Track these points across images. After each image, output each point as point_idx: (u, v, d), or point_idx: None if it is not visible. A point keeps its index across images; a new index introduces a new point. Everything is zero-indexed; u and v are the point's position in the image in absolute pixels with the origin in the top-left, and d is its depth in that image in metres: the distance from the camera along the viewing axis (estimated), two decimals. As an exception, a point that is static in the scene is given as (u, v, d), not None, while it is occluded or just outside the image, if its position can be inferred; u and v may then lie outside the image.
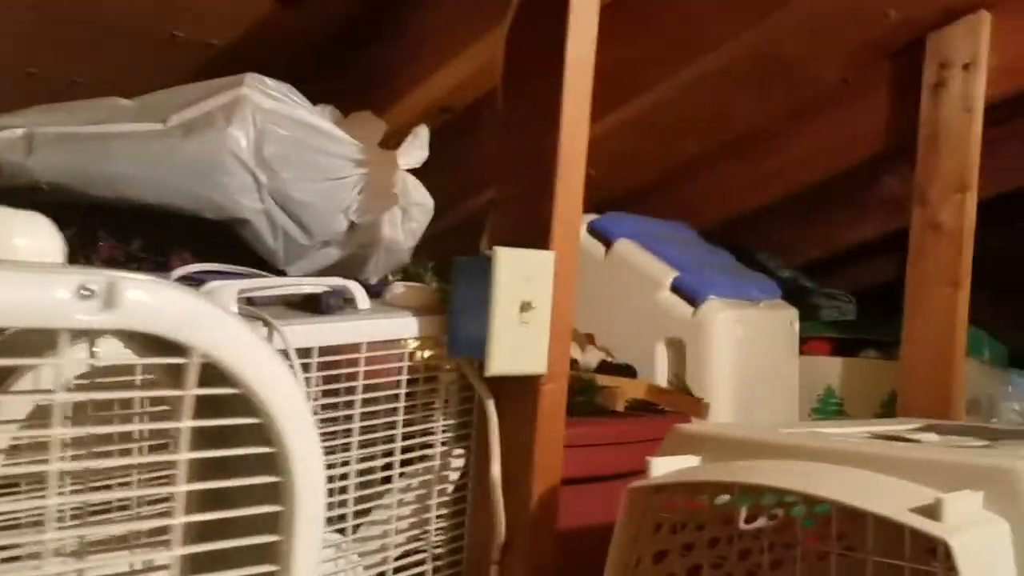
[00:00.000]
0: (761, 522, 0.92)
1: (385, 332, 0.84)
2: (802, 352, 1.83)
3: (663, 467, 0.73)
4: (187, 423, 0.39)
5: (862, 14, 1.50)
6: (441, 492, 0.96)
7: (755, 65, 1.55)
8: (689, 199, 2.00)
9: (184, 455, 0.39)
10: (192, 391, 0.38)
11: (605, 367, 1.44)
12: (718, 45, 1.30)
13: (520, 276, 0.84)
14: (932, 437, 0.90)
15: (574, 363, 1.38)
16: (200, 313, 0.38)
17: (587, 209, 1.75)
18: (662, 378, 1.57)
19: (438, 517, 0.96)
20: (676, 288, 1.59)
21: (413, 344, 0.93)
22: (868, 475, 0.65)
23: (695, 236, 1.90)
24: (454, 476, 0.98)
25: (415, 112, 1.23)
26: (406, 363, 0.89)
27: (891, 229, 2.09)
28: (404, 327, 0.87)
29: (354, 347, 0.83)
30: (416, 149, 1.09)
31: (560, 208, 0.88)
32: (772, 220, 2.31)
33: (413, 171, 1.18)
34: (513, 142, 0.93)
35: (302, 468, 0.41)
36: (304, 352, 0.79)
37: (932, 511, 0.58)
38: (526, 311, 0.85)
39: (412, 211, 1.12)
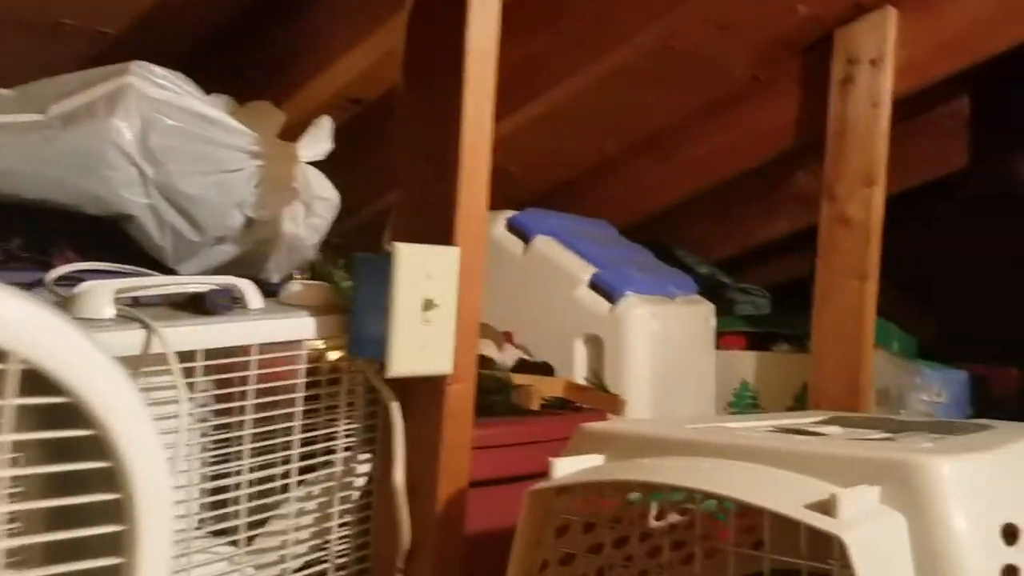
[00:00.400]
0: (671, 518, 0.91)
1: (278, 333, 0.80)
2: (718, 346, 1.84)
3: (566, 467, 0.71)
4: (7, 436, 0.34)
5: (771, 10, 1.51)
6: (345, 499, 0.93)
7: (666, 61, 1.55)
8: (608, 196, 2.01)
9: (5, 471, 0.35)
10: (11, 400, 0.34)
11: (522, 365, 1.43)
12: (627, 39, 1.29)
13: (421, 273, 0.81)
14: (836, 430, 0.91)
15: (490, 362, 1.36)
16: (18, 315, 0.34)
17: (509, 206, 1.76)
18: (581, 375, 1.56)
19: (342, 525, 0.92)
20: (594, 285, 1.58)
21: (313, 345, 0.89)
22: (767, 471, 0.64)
23: (614, 233, 1.90)
24: (360, 482, 0.95)
25: (319, 102, 1.19)
26: (304, 365, 0.85)
27: (804, 225, 2.13)
28: (300, 328, 0.84)
29: (245, 349, 0.79)
30: (318, 141, 1.05)
31: (464, 203, 0.85)
32: (690, 217, 2.34)
33: (320, 164, 1.14)
34: (415, 135, 0.90)
35: (143, 483, 0.37)
36: (188, 355, 0.74)
37: (828, 507, 0.57)
38: (429, 309, 0.82)
39: (315, 206, 1.08)
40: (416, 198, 0.89)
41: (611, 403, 1.36)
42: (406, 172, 0.90)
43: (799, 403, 1.77)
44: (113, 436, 0.36)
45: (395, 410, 0.87)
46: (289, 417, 0.86)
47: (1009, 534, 0.61)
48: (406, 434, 0.87)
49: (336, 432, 0.90)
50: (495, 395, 1.24)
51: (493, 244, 1.66)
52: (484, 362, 1.33)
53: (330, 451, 0.90)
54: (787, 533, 0.61)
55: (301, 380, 0.85)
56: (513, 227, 1.65)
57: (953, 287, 2.75)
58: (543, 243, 1.63)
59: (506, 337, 1.49)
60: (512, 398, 1.24)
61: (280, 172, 1.02)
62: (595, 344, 1.56)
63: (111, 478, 0.37)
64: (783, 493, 0.60)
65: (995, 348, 2.50)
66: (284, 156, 1.03)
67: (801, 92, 1.71)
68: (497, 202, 1.74)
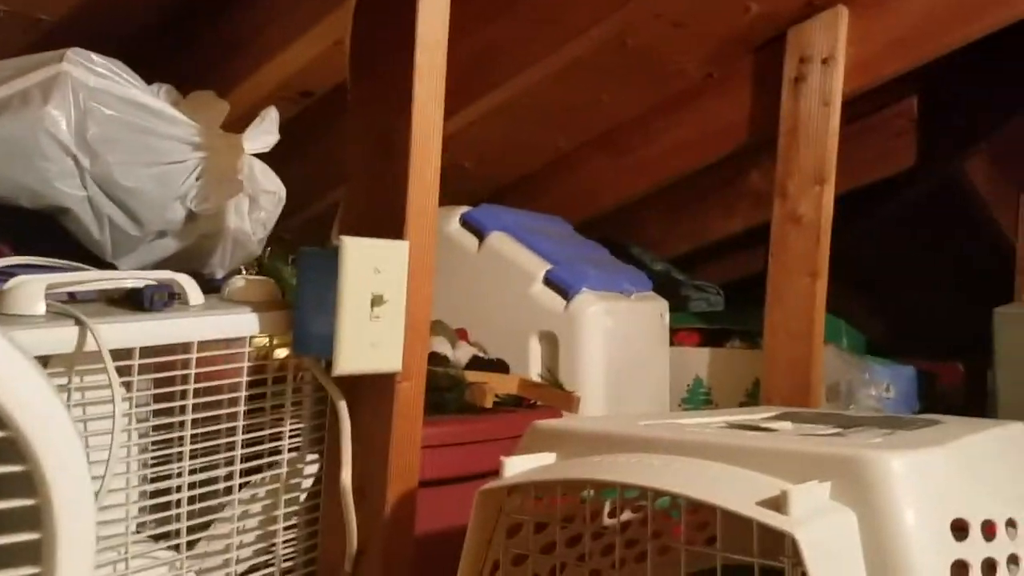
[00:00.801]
0: (625, 516, 0.90)
1: (219, 330, 0.78)
2: (672, 343, 1.85)
3: (517, 466, 0.70)
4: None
5: (724, 7, 1.52)
6: (291, 501, 0.90)
7: (621, 57, 1.55)
8: (563, 193, 2.00)
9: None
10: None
11: (476, 363, 1.41)
12: (581, 33, 1.28)
13: (369, 268, 0.79)
14: (787, 425, 0.91)
15: (444, 359, 1.34)
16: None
17: (463, 202, 1.74)
18: (536, 372, 1.55)
19: (288, 527, 0.90)
20: (549, 281, 1.57)
21: (258, 342, 0.87)
22: (719, 467, 0.64)
23: (569, 230, 1.89)
24: (307, 483, 0.92)
25: (266, 93, 1.16)
26: (247, 363, 0.82)
27: (757, 223, 2.15)
28: (242, 324, 0.81)
29: (184, 347, 0.76)
30: (264, 132, 1.02)
31: (414, 196, 0.83)
32: (645, 215, 2.34)
33: (269, 158, 1.12)
34: (364, 126, 0.87)
35: (61, 487, 0.35)
36: (125, 353, 0.71)
37: (779, 503, 0.57)
38: (377, 305, 0.80)
39: (261, 199, 1.05)
40: (365, 191, 0.87)
41: (566, 400, 1.35)
42: (355, 165, 0.88)
43: (751, 399, 1.78)
44: (27, 437, 0.34)
45: (342, 409, 0.85)
46: (232, 417, 0.83)
47: (959, 529, 0.62)
48: (354, 433, 0.85)
49: (282, 432, 0.88)
50: (448, 393, 1.22)
51: (447, 240, 1.64)
52: (437, 359, 1.32)
53: (276, 451, 0.88)
54: (739, 530, 0.61)
55: (245, 379, 0.82)
56: (467, 223, 1.64)
57: (900, 285, 2.80)
58: (497, 239, 1.61)
59: (460, 334, 1.48)
60: (465, 396, 1.22)
61: (224, 164, 0.99)
62: (550, 341, 1.55)
63: (28, 482, 0.34)
64: (735, 490, 0.60)
65: (941, 344, 2.56)
66: (228, 148, 1.00)
67: (754, 90, 1.73)
68: (451, 198, 1.74)
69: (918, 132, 2.15)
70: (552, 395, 1.37)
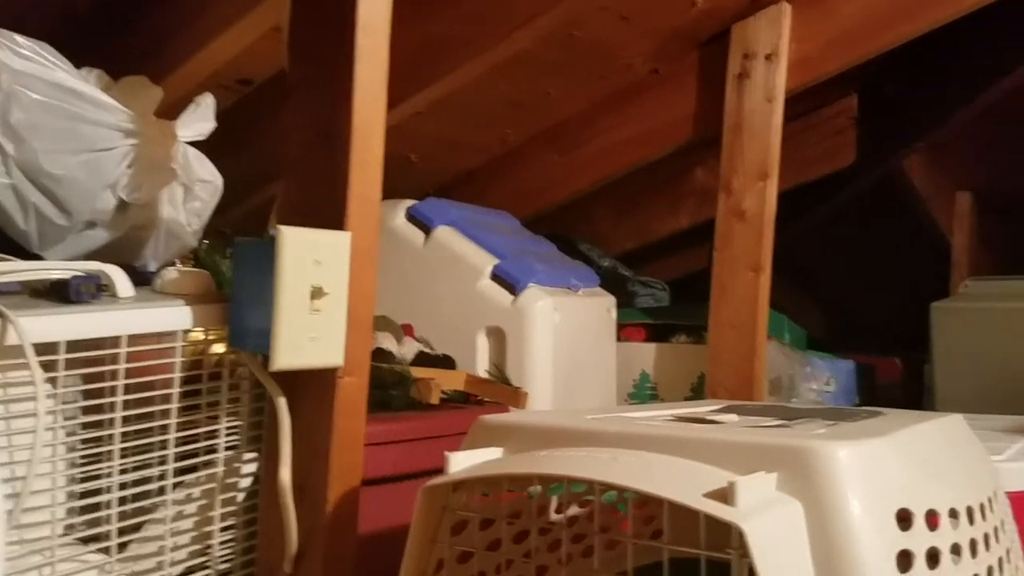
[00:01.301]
0: (572, 511, 0.89)
1: (150, 323, 0.75)
2: (619, 338, 1.85)
3: (462, 462, 0.68)
4: None
5: (669, 2, 1.52)
6: (229, 501, 0.87)
7: (568, 51, 1.54)
8: (511, 187, 1.99)
9: None
10: None
11: (422, 359, 1.39)
12: (527, 23, 1.27)
13: (309, 259, 0.77)
14: (732, 418, 0.91)
15: (389, 355, 1.32)
16: None
17: (410, 196, 1.71)
18: (483, 368, 1.54)
19: (225, 528, 0.87)
20: (496, 276, 1.56)
21: (194, 337, 0.83)
22: (666, 460, 0.63)
23: (517, 225, 1.88)
24: (245, 482, 0.89)
25: (202, 80, 1.12)
26: (180, 358, 0.79)
27: (703, 219, 2.17)
28: (174, 318, 0.78)
29: (113, 341, 0.72)
30: (199, 120, 0.98)
31: (356, 185, 0.81)
32: (593, 210, 2.35)
33: (207, 148, 1.08)
34: (303, 114, 0.85)
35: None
36: (49, 347, 0.68)
37: (725, 495, 0.56)
38: (317, 298, 0.78)
39: (196, 189, 1.01)
40: (305, 181, 0.84)
41: (512, 396, 1.34)
42: (294, 153, 0.85)
43: (697, 393, 1.80)
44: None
45: (281, 405, 0.83)
46: (165, 414, 0.80)
47: (903, 519, 0.62)
48: (294, 431, 0.83)
49: (218, 429, 0.84)
50: (393, 389, 1.20)
51: (393, 234, 1.61)
52: (382, 355, 1.29)
53: (212, 449, 0.85)
54: (687, 522, 0.60)
55: (178, 374, 0.79)
56: (413, 217, 1.61)
57: (840, 281, 2.86)
58: (444, 233, 1.59)
59: (406, 329, 1.45)
60: (411, 392, 1.20)
61: (157, 152, 0.95)
62: (497, 337, 1.54)
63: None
64: (681, 482, 0.59)
65: (879, 339, 2.62)
66: (161, 135, 0.96)
67: (700, 86, 1.74)
68: (398, 191, 1.72)
69: (858, 130, 2.19)
70: (499, 391, 1.36)
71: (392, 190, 1.72)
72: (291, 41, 0.85)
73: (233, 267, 0.81)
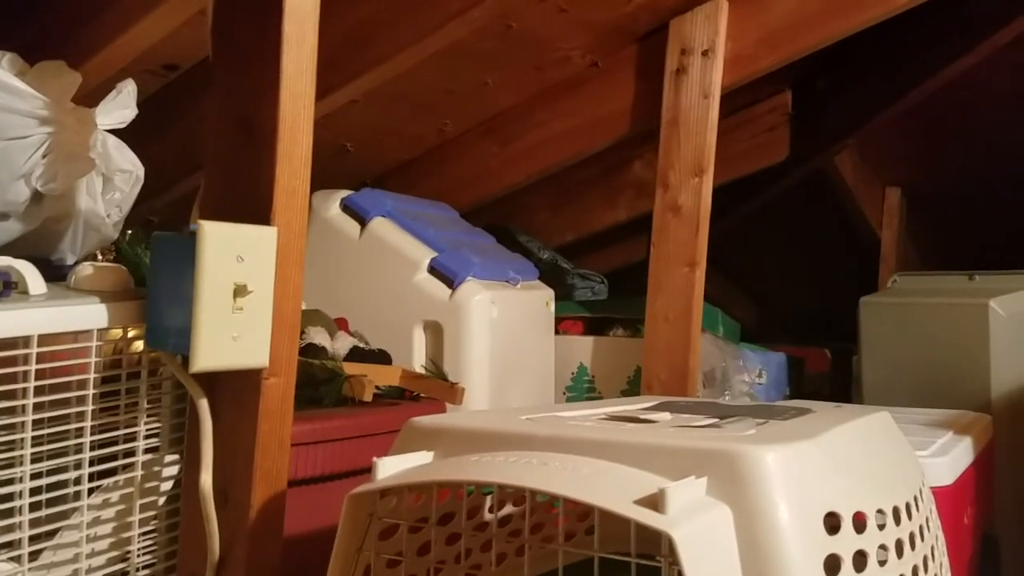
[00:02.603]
0: (507, 509, 0.88)
1: (63, 322, 0.71)
2: (557, 331, 1.85)
3: (391, 467, 0.66)
4: None
5: (607, -5, 1.52)
6: (149, 506, 0.84)
7: (506, 42, 1.53)
8: (450, 178, 1.97)
9: None
10: None
11: (356, 354, 1.36)
12: (462, 12, 1.24)
13: (231, 255, 0.74)
14: (665, 416, 0.91)
15: (322, 351, 1.29)
16: None
17: (346, 185, 1.68)
18: (421, 363, 1.52)
19: (145, 534, 0.84)
20: (433, 269, 1.53)
21: (112, 334, 0.80)
22: (597, 464, 0.62)
23: (456, 217, 1.86)
24: (166, 486, 0.86)
25: (124, 66, 1.07)
26: (95, 358, 0.76)
27: (640, 212, 2.18)
28: (88, 316, 0.74)
29: (21, 340, 0.69)
30: (120, 106, 0.94)
31: (282, 177, 0.78)
32: (532, 202, 2.34)
33: (130, 135, 1.03)
34: (226, 103, 0.81)
35: None
36: (-52, 350, 0.64)
37: (656, 501, 0.55)
38: (240, 296, 0.75)
39: (116, 179, 0.96)
40: (228, 173, 0.81)
41: (449, 392, 1.32)
42: (215, 144, 0.82)
43: (633, 385, 1.81)
44: None
45: (203, 407, 0.80)
46: (80, 416, 0.76)
47: (831, 522, 0.62)
48: (217, 433, 0.80)
49: (137, 432, 0.81)
50: (325, 386, 1.18)
51: (327, 225, 1.58)
52: (314, 351, 1.26)
53: (131, 453, 0.81)
54: (619, 520, 0.60)
55: (93, 375, 0.76)
56: (348, 208, 1.58)
57: (772, 274, 2.91)
58: (380, 225, 1.56)
59: (340, 324, 1.42)
60: (343, 389, 1.17)
61: (73, 141, 0.91)
62: (435, 331, 1.52)
63: None
64: (612, 488, 0.58)
65: (810, 331, 2.68)
66: (78, 123, 0.91)
67: (639, 80, 1.74)
68: (334, 180, 1.68)
69: (791, 126, 2.22)
70: (435, 387, 1.34)
71: (328, 180, 1.70)
72: (214, 26, 0.82)
73: (151, 263, 0.78)
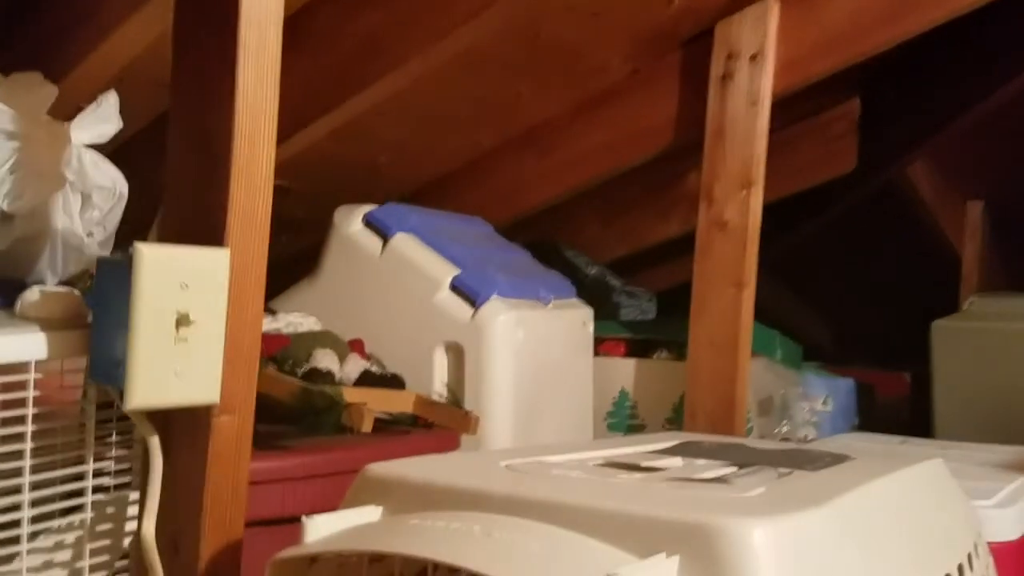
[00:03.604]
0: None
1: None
2: (597, 353, 1.74)
3: (324, 527, 0.58)
4: None
5: (644, -1, 1.42)
6: (101, 551, 0.78)
7: (534, 50, 1.44)
8: (487, 192, 1.89)
9: None
10: None
11: (368, 378, 1.29)
12: (467, 19, 1.16)
13: (173, 282, 0.67)
14: (675, 463, 0.80)
15: (328, 375, 1.22)
16: None
17: (381, 202, 1.62)
18: (441, 388, 1.44)
19: (98, 581, 0.78)
20: (455, 288, 1.45)
21: (56, 367, 0.74)
22: (550, 539, 0.53)
23: (489, 232, 1.78)
24: (127, 529, 0.80)
25: (107, 79, 1.03)
26: (32, 393, 0.70)
27: (694, 226, 2.06)
28: (26, 346, 0.69)
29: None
30: (100, 120, 0.89)
31: (238, 196, 0.71)
32: (582, 216, 2.25)
33: (132, 151, 0.99)
34: (184, 115, 0.75)
35: None
36: None
37: (604, 591, 0.46)
38: (184, 326, 0.68)
39: (95, 196, 0.92)
40: (184, 192, 0.75)
41: (463, 421, 1.24)
42: (174, 161, 0.76)
43: (678, 414, 1.69)
44: None
45: (153, 446, 0.73)
46: (18, 456, 0.71)
47: (831, 613, 0.51)
48: (168, 476, 0.73)
49: (84, 473, 0.75)
50: (324, 415, 1.10)
51: (348, 242, 1.52)
52: (319, 376, 1.20)
53: (76, 496, 0.75)
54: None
55: (31, 410, 0.70)
56: (371, 223, 1.51)
57: (843, 293, 2.73)
58: (403, 241, 1.49)
59: (355, 346, 1.36)
60: (343, 418, 1.10)
61: (44, 156, 0.86)
62: (456, 353, 1.44)
63: None
64: (556, 571, 0.49)
65: (887, 354, 2.49)
66: (51, 138, 0.87)
67: (683, 88, 1.63)
68: (369, 196, 1.62)
69: (860, 135, 2.07)
70: (449, 415, 1.26)
71: (362, 196, 1.64)
72: (175, 35, 0.76)
73: (94, 288, 0.72)
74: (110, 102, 0.92)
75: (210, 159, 0.72)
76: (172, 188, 0.76)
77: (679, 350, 1.73)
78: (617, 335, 1.82)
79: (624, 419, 1.76)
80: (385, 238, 1.50)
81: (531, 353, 1.48)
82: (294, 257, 1.76)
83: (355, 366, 1.28)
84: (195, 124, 0.74)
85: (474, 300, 1.43)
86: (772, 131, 1.53)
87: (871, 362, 2.49)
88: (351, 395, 1.15)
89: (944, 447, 1.38)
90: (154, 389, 0.67)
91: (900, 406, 2.40)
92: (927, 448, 1.37)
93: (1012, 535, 0.97)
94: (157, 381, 0.67)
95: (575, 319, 1.65)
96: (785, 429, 1.86)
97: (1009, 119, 1.94)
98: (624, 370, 1.77)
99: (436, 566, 0.60)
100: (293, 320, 1.31)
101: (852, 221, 2.43)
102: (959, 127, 2.01)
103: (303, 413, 1.12)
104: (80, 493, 0.77)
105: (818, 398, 1.99)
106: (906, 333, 2.17)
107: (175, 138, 0.75)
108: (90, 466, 0.75)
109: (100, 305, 0.70)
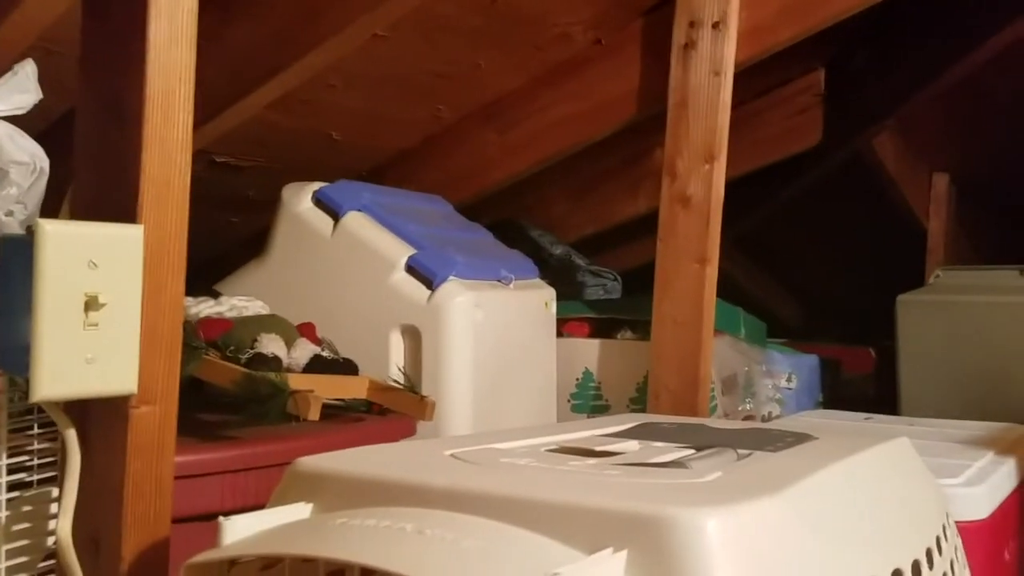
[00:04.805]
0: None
1: None
2: (561, 334, 1.70)
3: (244, 528, 0.53)
4: None
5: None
6: (17, 552, 0.72)
7: (493, 17, 1.38)
8: (448, 169, 1.83)
9: None
10: None
11: (318, 364, 1.23)
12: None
13: (80, 261, 0.62)
14: (632, 446, 0.76)
15: (274, 361, 1.16)
16: None
17: (338, 179, 1.56)
18: (398, 372, 1.39)
19: (16, 585, 0.72)
20: (411, 268, 1.40)
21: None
22: (486, 535, 0.48)
23: (449, 211, 1.72)
24: (47, 528, 0.74)
25: (21, 49, 0.96)
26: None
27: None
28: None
29: None
30: (16, 90, 0.82)
31: (150, 167, 0.66)
32: (549, 194, 2.20)
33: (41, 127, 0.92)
34: (94, 81, 0.69)
35: None
36: None
37: (542, 594, 0.41)
38: (94, 309, 0.62)
39: (12, 172, 0.85)
40: (95, 164, 0.69)
41: (418, 406, 1.19)
42: (84, 130, 0.70)
43: (642, 393, 1.65)
44: None
45: (70, 439, 0.68)
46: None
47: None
48: (87, 470, 0.68)
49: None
50: (268, 403, 1.05)
51: (298, 221, 1.46)
52: (264, 361, 1.14)
53: (-9, 492, 0.70)
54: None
55: (-72, 405, 0.64)
56: (321, 201, 1.45)
57: (808, 268, 2.72)
58: (355, 220, 1.43)
59: (305, 330, 1.30)
60: (287, 406, 1.05)
61: (-47, 131, 0.79)
62: (413, 336, 1.39)
63: None
64: (492, 571, 0.44)
65: (851, 329, 2.48)
66: (-39, 110, 0.80)
67: (646, 58, 1.58)
68: (324, 173, 1.56)
69: (825, 107, 2.04)
70: (404, 400, 1.21)
71: (317, 174, 1.58)
72: (85, -6, 0.70)
73: (-2, 271, 0.66)
74: (27, 71, 0.85)
75: (120, 127, 0.66)
76: (82, 160, 0.70)
77: (643, 330, 1.70)
78: (581, 315, 1.78)
79: (588, 400, 1.73)
80: (336, 217, 1.44)
81: (491, 335, 1.43)
82: (248, 239, 1.70)
83: (305, 351, 1.23)
84: (104, 88, 0.68)
85: (431, 281, 1.38)
86: (736, 105, 1.49)
87: (836, 337, 2.48)
88: (298, 381, 1.09)
89: (910, 423, 1.36)
90: (63, 378, 0.61)
91: (865, 382, 2.39)
92: (893, 425, 1.35)
93: (981, 514, 0.95)
94: (66, 369, 0.61)
95: (537, 300, 1.60)
96: (749, 407, 1.83)
97: (975, 91, 1.91)
98: (588, 351, 1.73)
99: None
100: (237, 303, 1.25)
101: (817, 196, 2.40)
102: (925, 99, 1.98)
103: (246, 401, 1.07)
104: (-4, 491, 0.72)
105: (782, 375, 1.97)
106: (872, 308, 2.16)
107: (84, 106, 0.69)
108: (3, 461, 0.69)
109: (5, 287, 0.64)
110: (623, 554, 0.46)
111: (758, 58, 1.49)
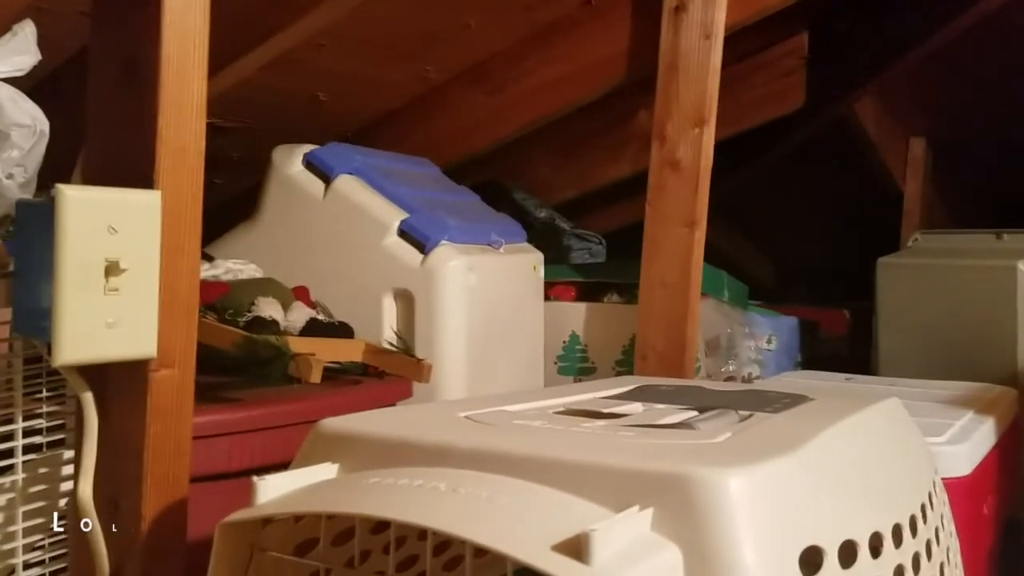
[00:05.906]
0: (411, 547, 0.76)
1: None
2: (548, 297, 1.72)
3: (277, 487, 0.55)
4: None
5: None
6: (35, 513, 0.73)
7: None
8: (434, 131, 1.83)
9: None
10: None
11: (314, 327, 1.24)
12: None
13: (101, 226, 0.62)
14: (636, 408, 0.78)
15: (272, 324, 1.17)
16: None
17: (324, 141, 1.55)
18: (392, 336, 1.40)
19: (34, 547, 0.73)
20: (404, 232, 1.40)
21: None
22: (517, 494, 0.50)
23: (437, 174, 1.72)
24: (63, 489, 0.75)
25: (17, 8, 0.94)
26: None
27: (645, 167, 2.03)
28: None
29: None
30: (13, 52, 0.82)
31: (167, 131, 0.66)
32: (533, 156, 2.20)
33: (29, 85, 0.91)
34: (107, 43, 0.69)
35: None
36: None
37: (579, 548, 0.43)
38: (114, 275, 0.63)
39: (13, 135, 0.84)
40: (110, 129, 0.69)
41: (415, 369, 1.20)
42: (98, 94, 0.69)
43: (628, 356, 1.68)
44: None
45: (87, 402, 0.68)
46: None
47: (810, 562, 0.50)
48: (105, 433, 0.69)
49: (13, 432, 0.70)
50: (270, 365, 1.06)
51: (289, 184, 1.45)
52: (263, 325, 1.15)
53: (6, 456, 0.70)
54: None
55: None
56: (312, 164, 1.45)
57: (788, 230, 2.75)
58: (346, 183, 1.43)
59: (300, 293, 1.30)
60: (289, 369, 1.06)
61: (-48, 93, 0.78)
62: (406, 300, 1.40)
63: None
64: (528, 529, 0.46)
65: (828, 291, 2.52)
66: (-41, 72, 0.79)
67: (636, 20, 1.58)
68: (310, 135, 1.55)
69: (809, 71, 2.05)
70: (399, 363, 1.22)
71: (303, 135, 1.57)
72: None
73: (15, 234, 0.66)
74: (26, 32, 0.84)
75: (136, 91, 0.66)
76: (95, 125, 0.69)
77: (630, 293, 1.72)
78: (568, 279, 1.80)
79: (575, 362, 1.75)
80: (327, 180, 1.44)
81: (482, 299, 1.44)
82: (230, 201, 1.68)
83: (301, 314, 1.23)
84: (118, 53, 0.67)
85: (423, 245, 1.38)
86: (721, 68, 1.50)
87: (812, 300, 2.52)
88: (298, 344, 1.10)
89: (891, 384, 1.40)
90: (84, 343, 0.62)
91: (839, 343, 2.44)
92: (875, 386, 1.39)
93: (963, 471, 0.99)
94: (87, 334, 0.62)
95: (525, 263, 1.62)
96: (732, 368, 1.87)
97: (954, 56, 1.94)
98: (574, 314, 1.75)
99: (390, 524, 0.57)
100: (232, 267, 1.25)
101: (797, 159, 2.43)
102: (905, 63, 2.00)
103: (247, 364, 1.08)
104: (9, 454, 0.72)
105: (763, 337, 2.01)
106: (847, 270, 2.20)
107: (97, 70, 0.69)
108: (19, 425, 0.70)
109: (22, 252, 0.64)
110: (649, 511, 0.48)
111: (748, 21, 1.50)
